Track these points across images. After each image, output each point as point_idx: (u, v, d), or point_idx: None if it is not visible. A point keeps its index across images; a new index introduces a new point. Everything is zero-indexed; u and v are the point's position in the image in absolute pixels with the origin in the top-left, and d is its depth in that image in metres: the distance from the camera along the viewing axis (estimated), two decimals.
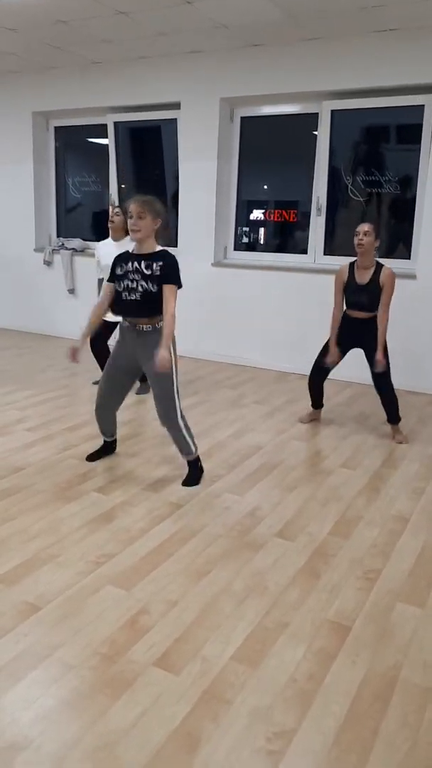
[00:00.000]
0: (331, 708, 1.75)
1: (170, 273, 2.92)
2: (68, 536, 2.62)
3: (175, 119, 6.00)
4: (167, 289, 2.90)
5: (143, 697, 1.76)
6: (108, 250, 4.43)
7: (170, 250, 3.11)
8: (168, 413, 3.05)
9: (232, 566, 2.46)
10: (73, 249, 6.71)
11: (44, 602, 2.17)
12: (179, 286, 2.95)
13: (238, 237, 6.09)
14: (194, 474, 3.25)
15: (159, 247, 3.00)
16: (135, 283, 2.94)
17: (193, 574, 2.38)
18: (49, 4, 4.44)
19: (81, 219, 7.20)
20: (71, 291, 6.79)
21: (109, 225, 4.53)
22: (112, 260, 3.11)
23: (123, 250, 3.15)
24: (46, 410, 4.33)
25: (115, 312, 3.09)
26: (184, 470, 3.29)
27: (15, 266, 7.12)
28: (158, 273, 2.91)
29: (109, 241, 4.60)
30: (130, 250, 3.04)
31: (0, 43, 5.46)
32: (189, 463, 3.26)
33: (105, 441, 3.53)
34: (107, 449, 3.55)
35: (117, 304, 3.05)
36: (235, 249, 6.07)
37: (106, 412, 3.32)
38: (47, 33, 5.15)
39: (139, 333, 3.02)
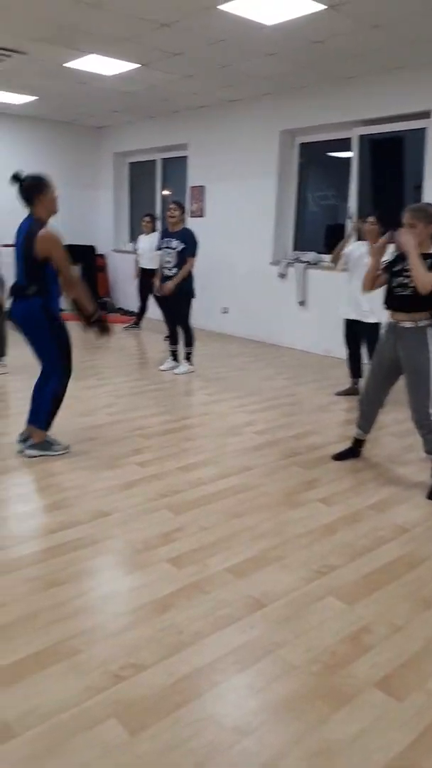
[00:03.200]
0: None
1: None
2: (292, 541, 2.70)
3: (423, 128, 5.79)
4: None
5: (363, 715, 1.74)
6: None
7: None
8: (423, 408, 3.17)
9: None
10: (307, 262, 6.88)
11: (269, 600, 2.27)
12: None
13: None
14: None
15: None
16: (408, 279, 3.12)
17: (420, 602, 2.29)
18: (306, 27, 4.63)
19: (316, 233, 7.35)
20: (302, 303, 6.96)
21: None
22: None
23: None
24: (272, 416, 4.51)
25: (386, 305, 3.30)
26: (414, 493, 3.17)
27: (251, 278, 7.53)
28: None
29: None
30: None
31: (259, 68, 5.84)
32: None
33: (355, 439, 3.68)
34: (354, 451, 3.69)
35: (389, 298, 3.27)
36: None
37: (370, 407, 3.53)
38: (303, 54, 5.37)
39: (399, 332, 3.22)
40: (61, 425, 4.09)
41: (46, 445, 3.57)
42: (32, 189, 3.30)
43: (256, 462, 3.62)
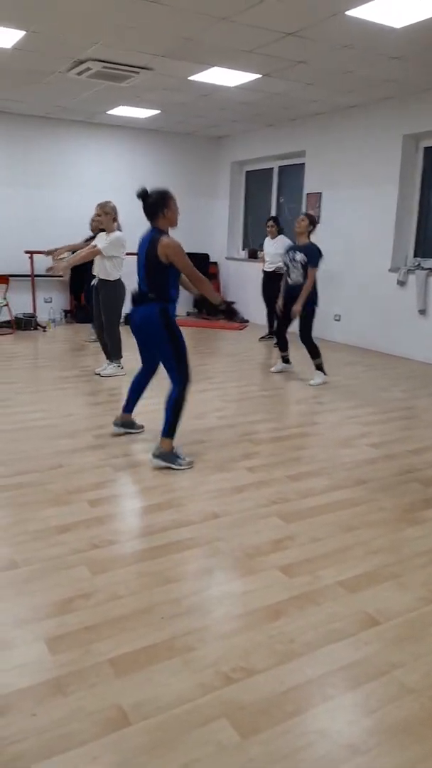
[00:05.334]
0: None
1: None
2: (411, 559, 2.59)
3: None
4: None
5: None
6: None
7: None
8: None
9: None
10: (429, 269, 6.60)
11: (384, 618, 2.19)
12: None
13: None
14: None
15: None
16: None
17: None
18: None
19: None
20: (422, 312, 6.68)
21: None
22: None
23: None
24: (388, 429, 4.37)
25: None
26: None
27: (368, 286, 7.35)
28: None
29: None
30: None
31: (383, 72, 5.71)
32: None
33: None
34: None
35: None
36: None
37: None
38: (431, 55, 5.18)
39: None
40: None
41: (171, 457, 3.55)
42: (157, 205, 3.45)
43: (370, 476, 3.51)
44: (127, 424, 4.10)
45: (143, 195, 3.46)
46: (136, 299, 3.59)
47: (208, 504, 3.09)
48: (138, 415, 4.13)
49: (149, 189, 3.48)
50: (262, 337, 7.89)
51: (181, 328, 3.59)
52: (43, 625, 2.11)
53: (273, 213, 9.09)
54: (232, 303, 3.94)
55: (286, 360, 6.10)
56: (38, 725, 1.69)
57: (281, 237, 7.46)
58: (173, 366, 3.55)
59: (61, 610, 2.19)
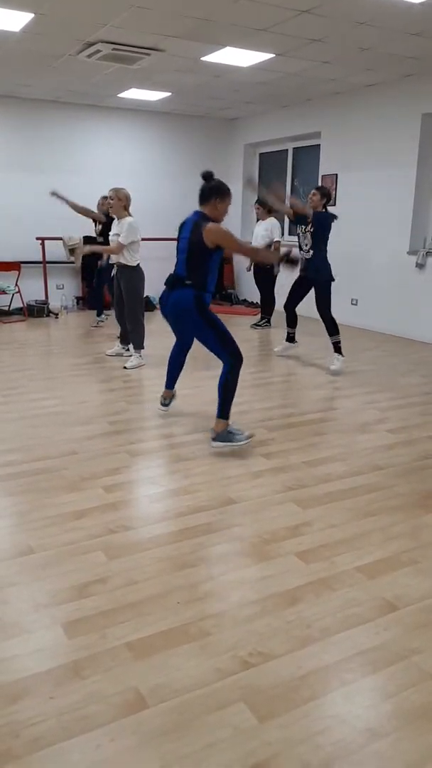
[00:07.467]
0: None
1: None
2: (429, 545, 2.57)
3: None
4: None
5: None
6: None
7: None
8: None
9: None
10: None
11: (403, 604, 2.17)
12: None
13: None
14: None
15: None
16: None
17: None
18: None
19: None
20: None
21: None
22: None
23: None
24: (407, 414, 4.32)
25: None
26: None
27: (385, 268, 7.25)
28: None
29: None
30: None
31: (400, 49, 5.57)
32: None
33: None
34: None
35: None
36: None
37: None
38: None
39: None
40: (188, 412, 4.20)
41: (228, 436, 3.56)
42: (215, 191, 3.46)
43: (389, 461, 3.48)
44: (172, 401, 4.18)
45: (208, 176, 3.48)
46: (171, 283, 3.56)
47: (224, 490, 3.08)
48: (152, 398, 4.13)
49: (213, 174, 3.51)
50: (255, 324, 7.67)
51: None
52: (60, 609, 2.12)
53: (288, 195, 8.96)
54: (289, 252, 3.73)
55: (291, 338, 6.00)
56: (56, 708, 1.70)
57: (271, 219, 7.27)
58: (220, 349, 3.52)
59: (77, 595, 2.20)
